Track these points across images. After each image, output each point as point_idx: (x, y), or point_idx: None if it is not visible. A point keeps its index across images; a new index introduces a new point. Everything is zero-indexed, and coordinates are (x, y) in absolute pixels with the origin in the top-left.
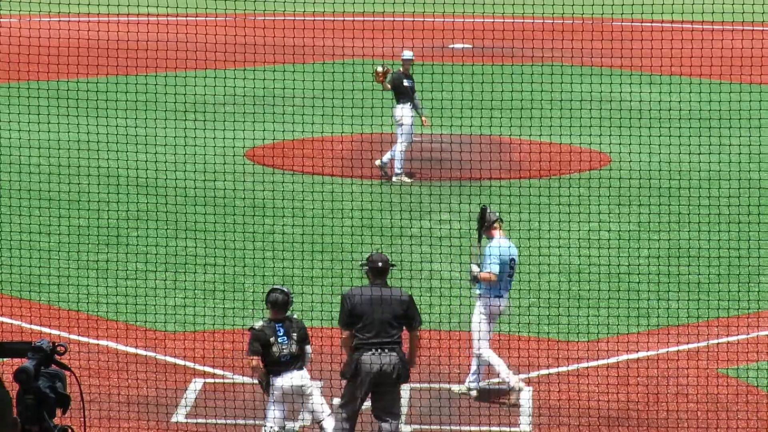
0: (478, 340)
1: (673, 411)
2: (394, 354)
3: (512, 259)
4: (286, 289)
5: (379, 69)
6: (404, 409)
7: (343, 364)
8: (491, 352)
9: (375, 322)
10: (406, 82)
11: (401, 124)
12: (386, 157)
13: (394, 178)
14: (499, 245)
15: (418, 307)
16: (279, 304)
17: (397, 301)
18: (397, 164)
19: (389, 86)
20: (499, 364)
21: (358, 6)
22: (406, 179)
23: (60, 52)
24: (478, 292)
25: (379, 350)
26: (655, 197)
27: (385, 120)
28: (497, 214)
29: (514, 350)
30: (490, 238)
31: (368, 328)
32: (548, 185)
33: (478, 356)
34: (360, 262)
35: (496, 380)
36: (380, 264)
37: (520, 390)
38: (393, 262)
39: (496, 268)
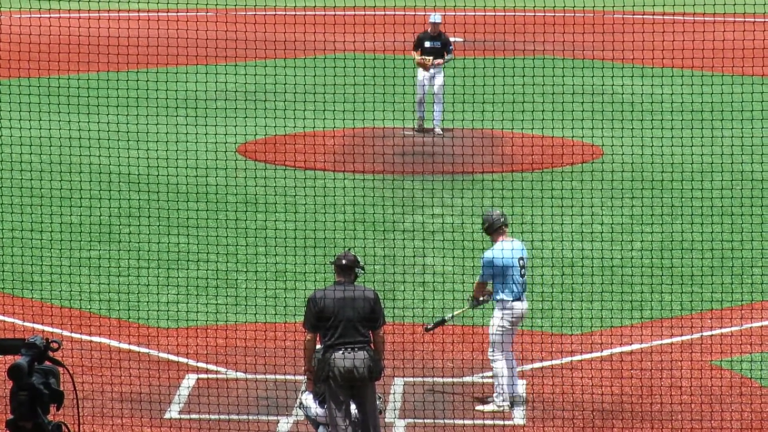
0: (492, 347)
1: (667, 403)
2: (365, 352)
3: (519, 259)
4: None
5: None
6: (398, 404)
7: (314, 369)
8: (503, 364)
9: (343, 321)
10: (427, 43)
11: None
12: (438, 116)
13: (437, 129)
14: (493, 254)
15: (410, 301)
16: None
17: (365, 300)
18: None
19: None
20: (502, 377)
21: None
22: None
23: (51, 49)
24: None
25: (349, 349)
26: (647, 190)
27: (376, 114)
28: (501, 218)
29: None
30: (494, 243)
31: (337, 328)
32: (540, 178)
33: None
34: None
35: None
36: (344, 261)
37: (501, 410)
38: (363, 265)
39: (482, 278)
